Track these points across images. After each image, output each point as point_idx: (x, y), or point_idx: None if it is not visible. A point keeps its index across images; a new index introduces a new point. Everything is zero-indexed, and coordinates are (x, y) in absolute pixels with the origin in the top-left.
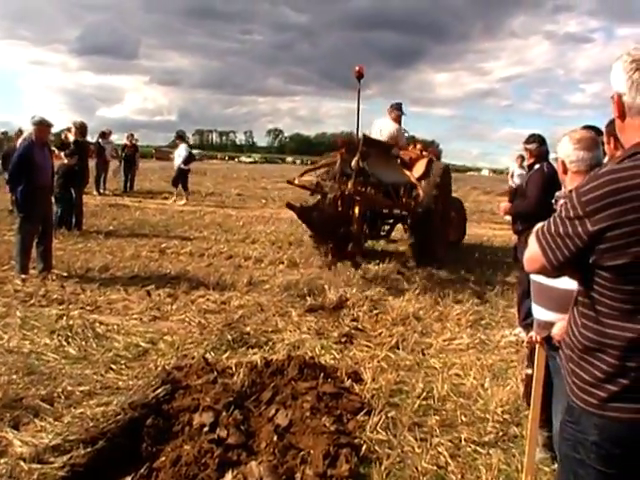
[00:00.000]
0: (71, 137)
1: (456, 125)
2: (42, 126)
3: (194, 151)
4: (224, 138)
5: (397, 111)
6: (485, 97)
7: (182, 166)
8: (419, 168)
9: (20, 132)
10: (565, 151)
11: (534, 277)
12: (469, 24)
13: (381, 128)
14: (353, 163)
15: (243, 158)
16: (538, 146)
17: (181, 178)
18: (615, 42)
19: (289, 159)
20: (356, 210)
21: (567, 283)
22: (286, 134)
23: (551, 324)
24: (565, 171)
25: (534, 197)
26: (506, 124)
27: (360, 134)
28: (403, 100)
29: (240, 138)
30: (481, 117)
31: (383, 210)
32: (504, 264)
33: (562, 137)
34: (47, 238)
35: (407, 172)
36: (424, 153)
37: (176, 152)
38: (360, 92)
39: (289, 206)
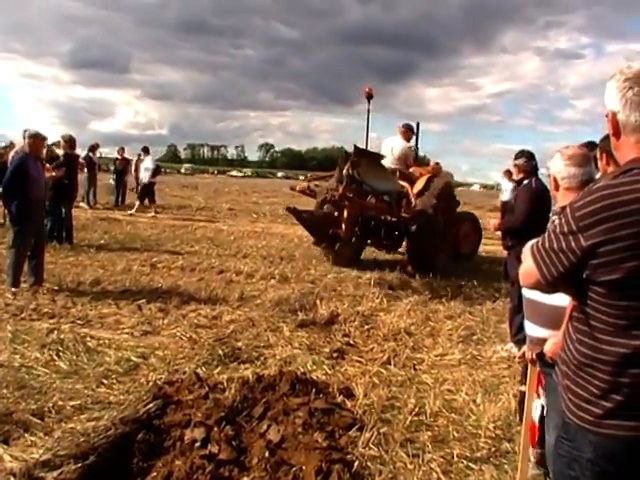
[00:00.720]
0: (59, 151)
1: (446, 140)
2: (37, 139)
3: (186, 165)
4: (215, 152)
5: (408, 130)
6: (476, 112)
7: (152, 180)
8: (420, 183)
9: (12, 145)
10: (556, 167)
11: (525, 293)
12: (460, 40)
13: (392, 146)
14: (344, 171)
15: (234, 173)
16: (526, 161)
17: (147, 191)
18: (605, 58)
19: (280, 174)
20: (344, 213)
21: (557, 299)
22: (277, 149)
23: (543, 340)
24: (557, 187)
25: (522, 213)
26: (497, 140)
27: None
28: (394, 115)
29: (231, 152)
30: (472, 132)
31: (381, 217)
32: (495, 279)
33: (555, 153)
34: (39, 252)
35: (403, 183)
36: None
37: (142, 165)
38: (370, 112)
39: (288, 209)
